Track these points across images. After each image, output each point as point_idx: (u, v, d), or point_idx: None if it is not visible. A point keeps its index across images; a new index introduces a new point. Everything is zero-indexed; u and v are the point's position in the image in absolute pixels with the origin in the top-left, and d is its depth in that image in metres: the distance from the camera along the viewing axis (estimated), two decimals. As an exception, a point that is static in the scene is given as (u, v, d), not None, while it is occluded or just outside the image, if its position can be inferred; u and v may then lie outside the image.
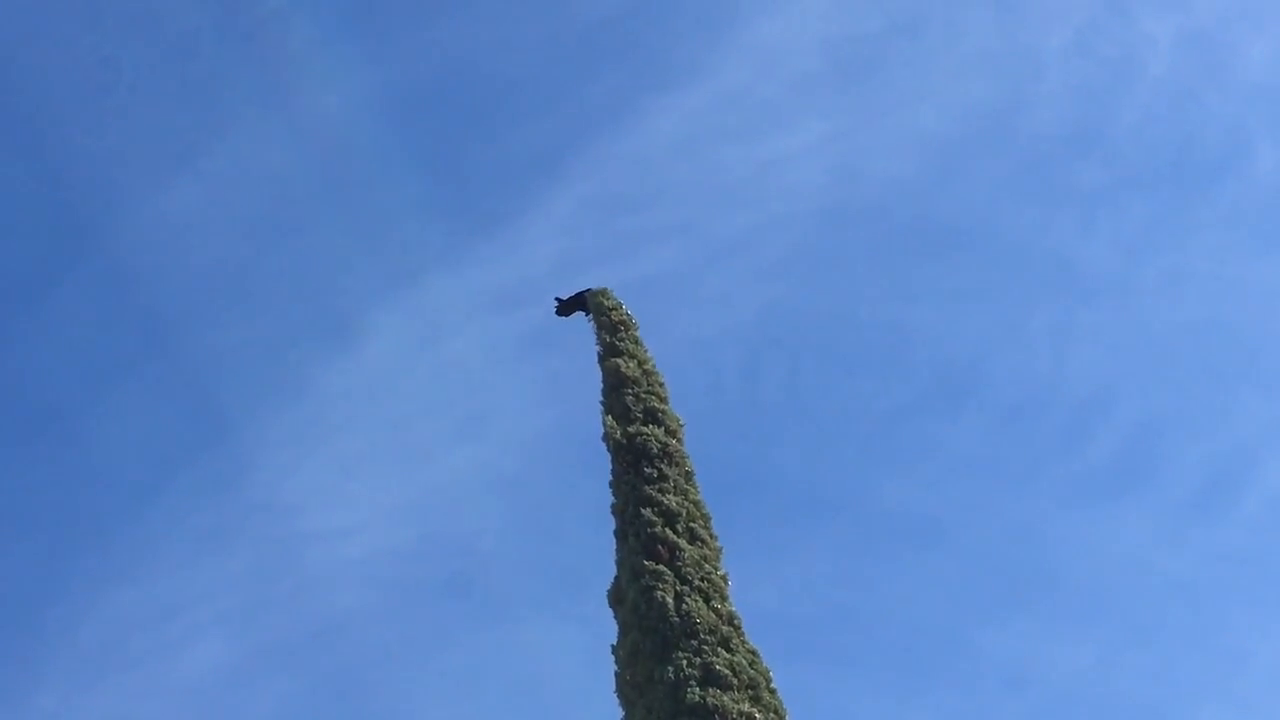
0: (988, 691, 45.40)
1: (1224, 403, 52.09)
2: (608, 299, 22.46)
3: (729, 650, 14.43)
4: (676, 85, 55.88)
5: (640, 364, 19.48)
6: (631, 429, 17.64)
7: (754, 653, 14.61)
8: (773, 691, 14.31)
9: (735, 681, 14.06)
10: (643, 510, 16.06)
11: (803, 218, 54.12)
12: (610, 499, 16.92)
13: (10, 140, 53.09)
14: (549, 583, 47.36)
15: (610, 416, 18.27)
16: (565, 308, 24.14)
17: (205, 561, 48.48)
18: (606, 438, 17.84)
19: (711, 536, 16.14)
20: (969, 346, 53.45)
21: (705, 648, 14.36)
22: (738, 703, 13.79)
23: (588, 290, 23.75)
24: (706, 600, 15.02)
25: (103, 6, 53.39)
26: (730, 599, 15.27)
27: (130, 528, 50.68)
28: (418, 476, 50.20)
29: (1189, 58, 54.24)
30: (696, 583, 15.18)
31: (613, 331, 20.73)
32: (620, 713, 14.49)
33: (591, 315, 22.72)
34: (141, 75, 52.85)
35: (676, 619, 14.63)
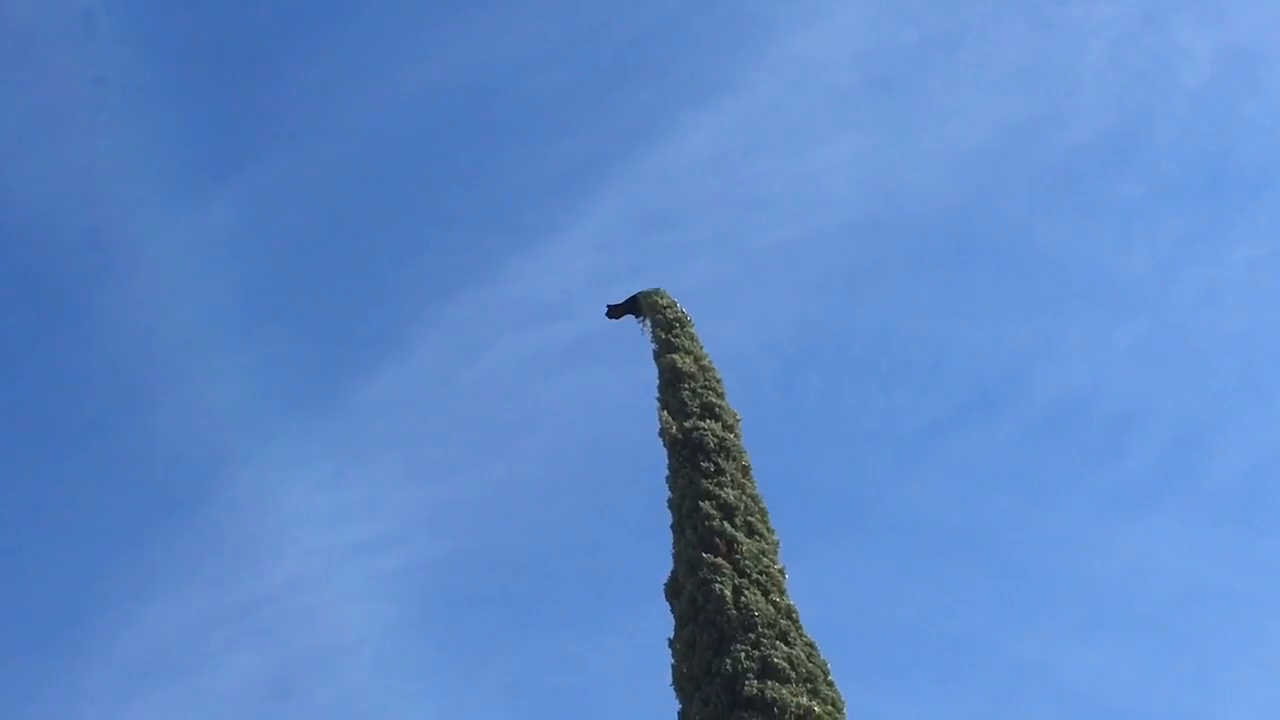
0: (1026, 700, 45.15)
1: (1261, 414, 51.86)
2: (662, 298, 22.54)
3: (787, 643, 14.40)
4: (711, 100, 56.43)
5: (696, 359, 19.52)
6: (688, 424, 17.66)
7: (811, 645, 14.58)
8: (830, 684, 14.27)
9: (793, 674, 14.02)
10: (700, 504, 16.07)
11: (838, 232, 54.28)
12: (666, 494, 16.96)
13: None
14: (587, 592, 47.65)
15: (666, 411, 18.32)
16: (616, 311, 24.25)
17: (244, 573, 48.97)
18: (663, 433, 17.88)
19: (769, 530, 16.13)
20: (1006, 359, 53.47)
21: (763, 640, 14.35)
22: (796, 695, 13.76)
23: (639, 293, 23.85)
24: (765, 593, 15.00)
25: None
26: (788, 592, 15.26)
27: (170, 540, 51.27)
28: (456, 488, 50.50)
29: (1226, 71, 54.03)
30: (754, 576, 15.17)
31: (668, 329, 20.79)
32: (676, 705, 14.51)
33: (644, 318, 22.80)
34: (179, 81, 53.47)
35: (734, 612, 14.62)
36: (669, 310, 21.81)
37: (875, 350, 53.54)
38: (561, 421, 50.88)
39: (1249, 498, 50.23)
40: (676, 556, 15.95)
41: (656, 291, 23.12)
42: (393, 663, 46.48)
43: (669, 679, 14.79)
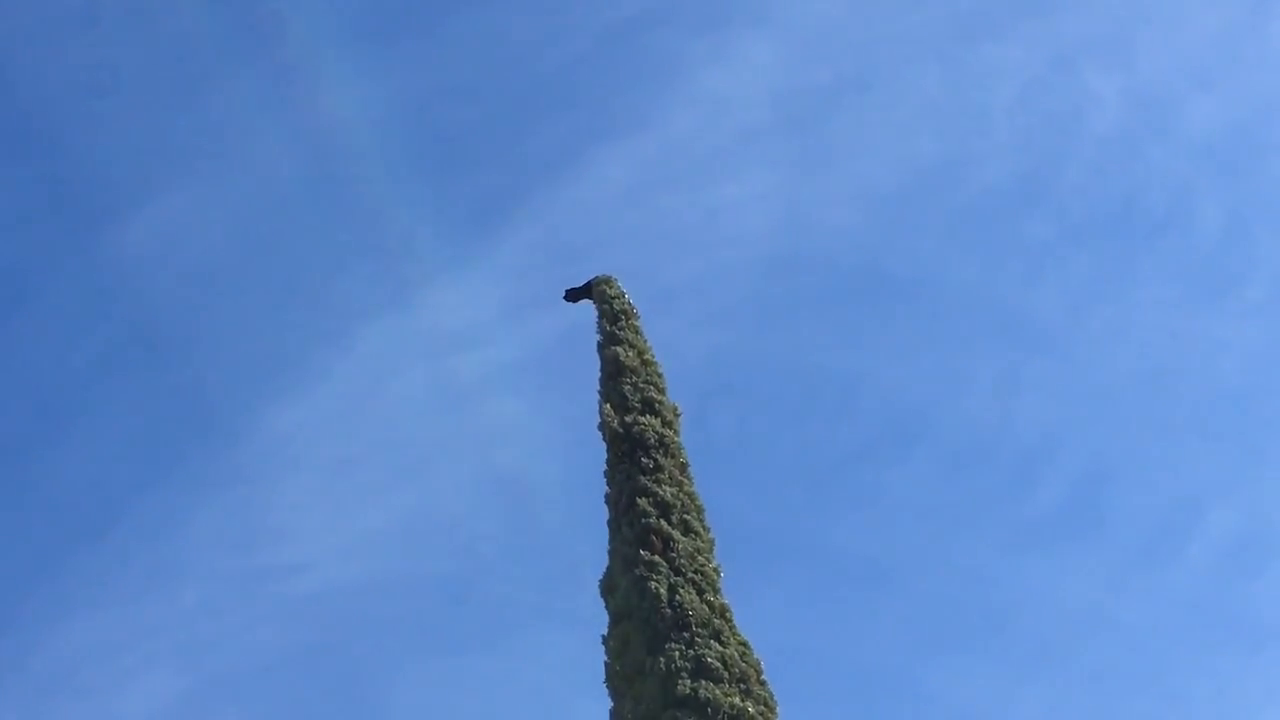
0: None
1: (1169, 452, 53.02)
2: (611, 287, 22.42)
3: (721, 642, 14.40)
4: (624, 134, 56.66)
5: (639, 353, 19.43)
6: (629, 418, 17.60)
7: (745, 645, 14.59)
8: (763, 684, 14.29)
9: (726, 674, 14.03)
10: (637, 501, 16.02)
11: (750, 266, 54.74)
12: (604, 489, 16.92)
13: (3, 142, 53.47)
14: (499, 620, 48.17)
15: (608, 405, 18.25)
16: (573, 295, 24.21)
17: (158, 595, 48.95)
18: (603, 426, 17.81)
19: (705, 528, 16.09)
20: (916, 394, 53.84)
21: (698, 640, 14.34)
22: (729, 695, 13.77)
23: (594, 278, 23.76)
24: (700, 592, 15.00)
25: (100, 6, 53.67)
26: (722, 591, 15.26)
27: (82, 561, 51.09)
28: (369, 514, 50.92)
29: (1134, 115, 55.37)
30: (690, 574, 15.16)
31: (613, 320, 20.70)
32: (609, 704, 14.50)
33: (595, 301, 22.70)
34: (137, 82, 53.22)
35: (669, 610, 14.61)
36: (616, 301, 21.69)
37: (786, 383, 54.07)
38: (474, 450, 51.35)
39: (1155, 534, 51.42)
40: (611, 553, 15.91)
41: (607, 280, 23.00)
42: (306, 684, 46.76)
43: (601, 677, 14.79)
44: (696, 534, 15.87)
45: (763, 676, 14.38)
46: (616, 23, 56.99)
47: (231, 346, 54.27)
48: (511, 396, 49.04)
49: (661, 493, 16.15)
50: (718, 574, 15.45)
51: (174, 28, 53.18)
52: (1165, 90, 55.44)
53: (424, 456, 52.41)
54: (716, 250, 54.80)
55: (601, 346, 20.12)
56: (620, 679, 14.43)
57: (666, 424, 17.64)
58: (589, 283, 23.85)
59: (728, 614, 14.88)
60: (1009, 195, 55.98)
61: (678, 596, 14.77)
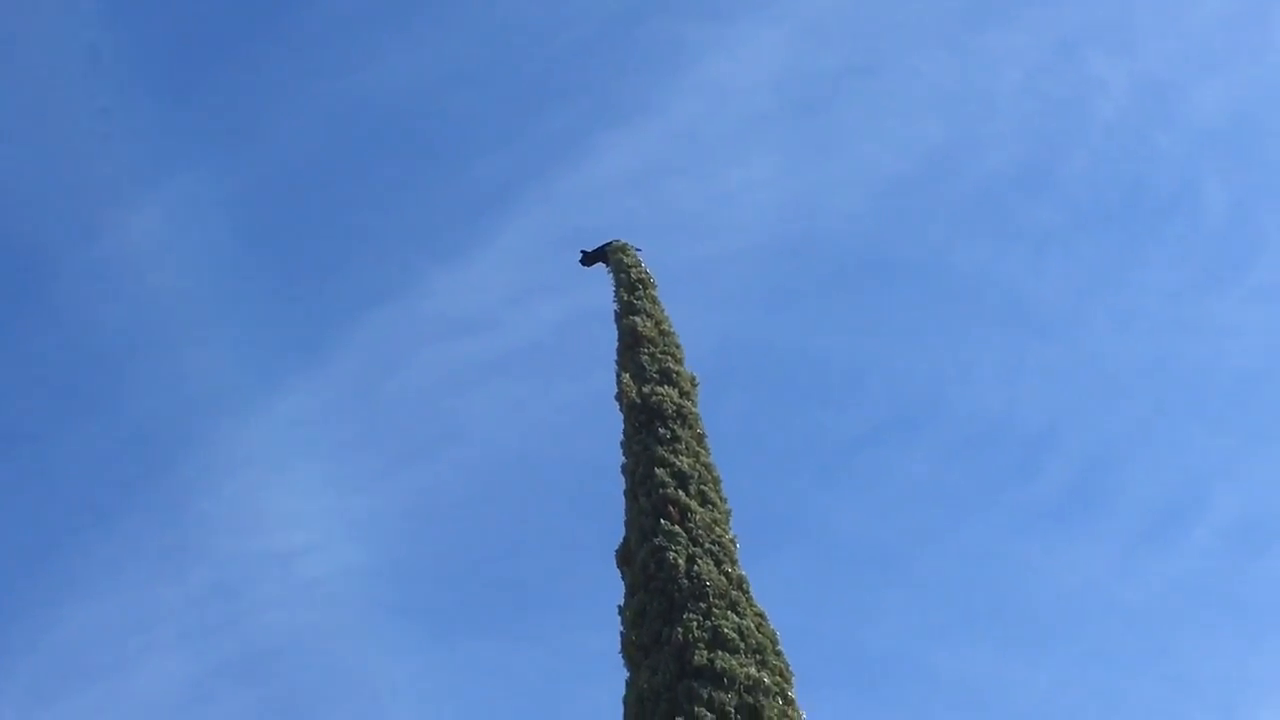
0: (944, 714, 45.79)
1: (1174, 436, 53.10)
2: (628, 255, 22.32)
3: (737, 613, 14.35)
4: (629, 121, 57.03)
5: (657, 323, 19.37)
6: (646, 389, 17.54)
7: (761, 615, 14.54)
8: (779, 654, 14.23)
9: (742, 645, 13.99)
10: (655, 471, 15.97)
11: (756, 251, 54.87)
12: (620, 460, 16.88)
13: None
14: (502, 602, 48.23)
15: (626, 375, 18.19)
16: (589, 259, 24.11)
17: (165, 579, 49.20)
18: (621, 396, 17.76)
19: (721, 499, 16.04)
20: (922, 379, 54.06)
21: (715, 610, 14.29)
22: (744, 666, 13.74)
23: (609, 244, 23.65)
24: (717, 563, 14.95)
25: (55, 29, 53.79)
26: (739, 562, 15.21)
27: (91, 546, 51.28)
28: (377, 498, 51.19)
29: (1139, 101, 55.41)
30: (707, 545, 15.11)
31: (630, 289, 20.62)
32: (625, 674, 14.48)
33: (610, 269, 22.61)
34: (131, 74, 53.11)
35: (686, 581, 14.57)
36: (634, 270, 21.61)
37: (794, 369, 54.24)
38: (481, 434, 51.80)
39: (1160, 517, 51.62)
40: (629, 524, 15.85)
41: (624, 248, 22.89)
42: (311, 668, 46.94)
43: (616, 647, 14.76)
44: (714, 504, 15.82)
45: (779, 647, 14.32)
46: (622, 9, 57.30)
47: (238, 332, 54.43)
48: (516, 380, 49.23)
49: (679, 463, 16.10)
50: (734, 544, 15.39)
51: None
52: (1170, 76, 55.68)
53: (430, 439, 52.64)
54: (722, 236, 55.18)
55: (619, 316, 20.05)
56: (636, 649, 14.38)
57: (684, 394, 17.58)
58: (603, 247, 23.73)
59: (745, 585, 14.83)
60: (1015, 181, 56.04)
61: (695, 567, 14.72)
